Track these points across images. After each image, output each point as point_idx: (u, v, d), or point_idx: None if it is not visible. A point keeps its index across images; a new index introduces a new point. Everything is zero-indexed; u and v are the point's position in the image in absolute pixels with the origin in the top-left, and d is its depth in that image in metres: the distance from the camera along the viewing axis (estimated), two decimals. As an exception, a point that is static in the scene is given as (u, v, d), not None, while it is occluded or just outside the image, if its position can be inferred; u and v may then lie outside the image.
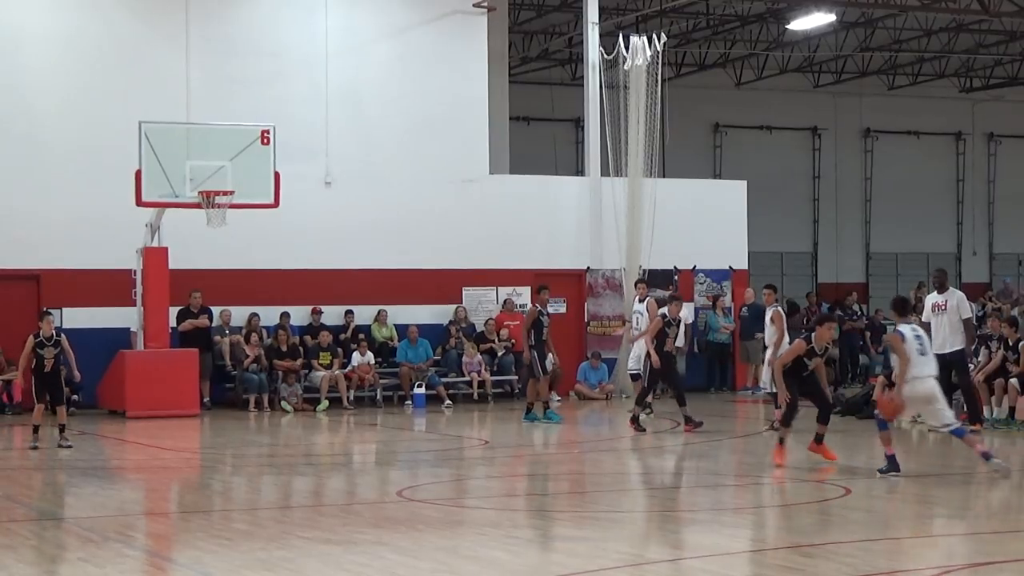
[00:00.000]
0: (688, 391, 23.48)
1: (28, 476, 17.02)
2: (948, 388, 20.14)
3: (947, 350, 19.68)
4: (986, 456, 15.30)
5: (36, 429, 19.21)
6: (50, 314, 19.89)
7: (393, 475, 16.89)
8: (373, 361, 26.63)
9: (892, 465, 15.28)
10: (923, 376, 15.30)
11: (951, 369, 19.81)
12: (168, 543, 12.18)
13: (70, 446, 19.00)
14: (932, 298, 20.16)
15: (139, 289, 24.95)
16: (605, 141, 28.50)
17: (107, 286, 25.54)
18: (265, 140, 24.30)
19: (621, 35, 28.71)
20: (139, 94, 26.00)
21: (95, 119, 25.95)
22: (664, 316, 20.93)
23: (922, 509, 13.62)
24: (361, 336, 27.12)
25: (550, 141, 37.85)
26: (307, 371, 26.18)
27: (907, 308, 16.50)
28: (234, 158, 24.04)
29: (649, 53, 28.01)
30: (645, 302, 23.40)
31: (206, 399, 25.52)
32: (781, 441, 16.54)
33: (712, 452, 18.90)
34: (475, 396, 26.84)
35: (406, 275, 27.68)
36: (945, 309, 19.71)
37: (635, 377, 23.17)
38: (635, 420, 20.62)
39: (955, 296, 19.80)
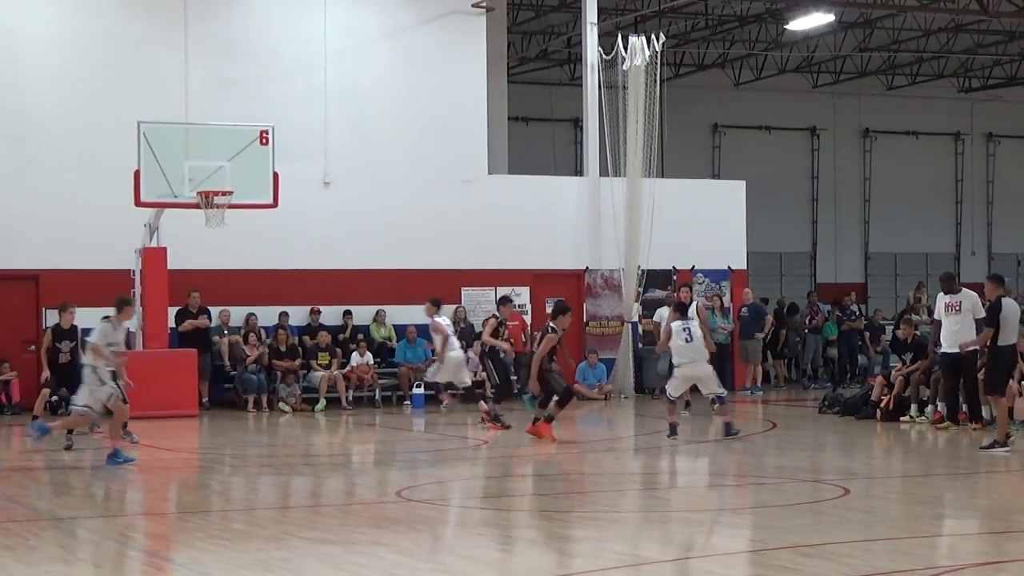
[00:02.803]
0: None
1: (27, 476, 17.01)
2: (955, 386, 20.29)
3: (955, 349, 19.70)
4: None
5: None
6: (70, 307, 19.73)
7: (392, 475, 16.88)
8: (372, 361, 26.64)
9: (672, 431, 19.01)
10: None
11: (960, 367, 19.87)
12: (167, 543, 12.17)
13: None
14: (943, 298, 20.16)
15: (138, 289, 24.93)
16: (604, 141, 28.51)
17: (106, 286, 25.40)
18: (264, 140, 24.29)
19: (620, 35, 28.72)
20: (138, 94, 25.99)
21: (94, 119, 25.94)
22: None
23: (921, 509, 13.62)
24: (360, 336, 27.14)
25: (549, 141, 37.82)
26: (306, 371, 26.18)
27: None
28: (233, 158, 24.04)
29: (648, 53, 28.02)
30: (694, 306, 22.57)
31: (205, 399, 25.52)
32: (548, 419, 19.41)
33: (711, 452, 18.91)
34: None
35: (405, 275, 27.67)
36: (959, 309, 19.73)
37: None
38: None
39: (969, 298, 19.79)
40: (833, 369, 31.53)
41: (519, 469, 17.60)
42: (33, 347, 25.44)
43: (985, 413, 20.18)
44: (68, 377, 19.36)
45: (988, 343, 17.92)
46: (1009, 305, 18.08)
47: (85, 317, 25.06)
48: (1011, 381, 20.22)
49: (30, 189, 25.62)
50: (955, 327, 19.72)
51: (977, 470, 16.30)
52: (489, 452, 18.96)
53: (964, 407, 20.25)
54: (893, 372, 22.82)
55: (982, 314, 19.76)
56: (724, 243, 30.31)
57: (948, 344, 19.89)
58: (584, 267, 29.11)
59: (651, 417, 23.85)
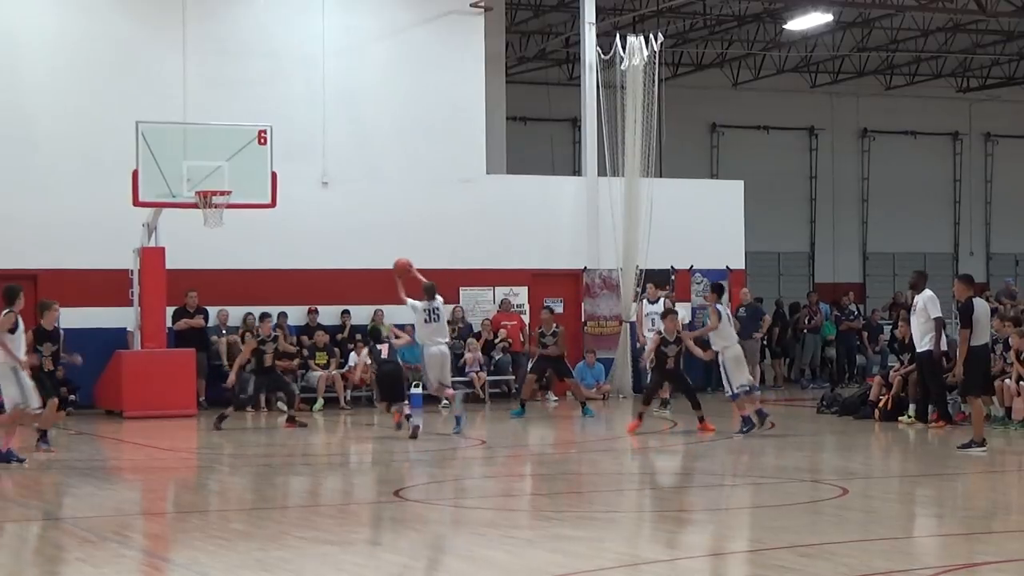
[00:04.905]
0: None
1: (25, 476, 17.01)
2: (924, 387, 20.64)
3: (920, 349, 20.05)
4: None
5: None
6: None
7: (390, 475, 16.88)
8: (370, 361, 26.59)
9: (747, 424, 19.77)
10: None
11: (922, 366, 20.22)
12: (165, 543, 12.18)
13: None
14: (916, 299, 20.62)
15: (136, 289, 24.94)
16: (602, 141, 28.50)
17: (104, 286, 25.51)
18: (262, 140, 24.30)
19: (618, 35, 28.72)
20: (136, 94, 25.99)
21: (92, 119, 25.93)
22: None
23: (919, 509, 13.63)
24: (358, 336, 27.11)
25: (547, 141, 37.83)
26: (304, 371, 26.16)
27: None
28: (231, 158, 24.05)
29: (646, 53, 28.02)
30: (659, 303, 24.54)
31: (203, 399, 25.51)
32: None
33: (709, 452, 18.91)
34: (482, 396, 26.90)
35: (403, 275, 27.63)
36: (915, 310, 20.13)
37: None
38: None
39: (924, 297, 20.13)
40: (831, 369, 31.53)
41: (518, 469, 17.61)
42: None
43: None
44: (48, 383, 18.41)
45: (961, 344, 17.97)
46: (980, 305, 18.16)
47: (83, 317, 25.19)
48: (1009, 381, 20.30)
49: (28, 189, 25.61)
50: (916, 327, 20.10)
51: (975, 470, 16.31)
52: (487, 452, 18.96)
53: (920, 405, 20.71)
54: (891, 372, 22.83)
55: (936, 313, 19.97)
56: (722, 243, 30.30)
57: (916, 344, 20.28)
58: (582, 267, 29.11)
59: (649, 417, 23.82)
